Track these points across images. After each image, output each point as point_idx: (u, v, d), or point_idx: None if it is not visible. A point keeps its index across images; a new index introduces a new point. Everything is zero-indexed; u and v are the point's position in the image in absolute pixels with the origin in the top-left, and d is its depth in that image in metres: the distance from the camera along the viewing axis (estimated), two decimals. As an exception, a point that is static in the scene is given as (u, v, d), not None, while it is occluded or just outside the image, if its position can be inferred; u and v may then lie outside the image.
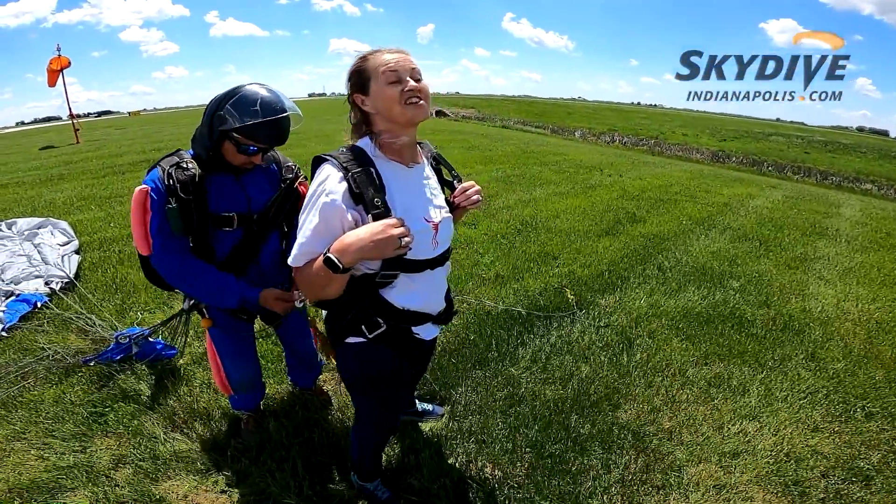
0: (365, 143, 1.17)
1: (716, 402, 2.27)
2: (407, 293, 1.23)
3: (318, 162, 1.15)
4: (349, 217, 1.06)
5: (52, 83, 13.91)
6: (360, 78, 1.13)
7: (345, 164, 1.09)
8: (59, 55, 13.64)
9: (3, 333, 2.64)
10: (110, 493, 1.67)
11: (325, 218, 1.05)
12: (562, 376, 2.39)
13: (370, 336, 1.23)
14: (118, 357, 2.33)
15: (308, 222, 1.07)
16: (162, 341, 2.44)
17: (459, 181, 1.37)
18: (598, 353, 2.61)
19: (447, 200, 1.34)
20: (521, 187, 6.60)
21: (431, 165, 1.33)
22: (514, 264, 3.78)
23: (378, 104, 1.12)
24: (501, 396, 2.24)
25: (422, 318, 1.29)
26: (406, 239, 1.04)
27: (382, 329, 1.23)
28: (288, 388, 2.23)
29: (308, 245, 1.07)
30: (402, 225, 1.04)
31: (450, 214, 1.32)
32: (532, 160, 9.06)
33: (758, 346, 2.79)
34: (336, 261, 1.01)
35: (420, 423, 2.05)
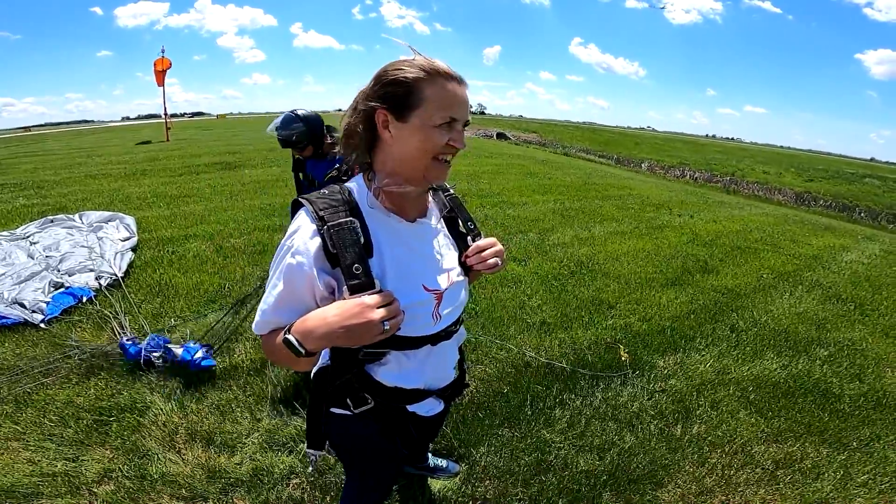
0: (357, 183, 0.93)
1: (780, 485, 1.97)
2: (399, 371, 0.98)
3: (296, 207, 0.91)
4: (320, 285, 0.83)
5: (160, 82, 15.37)
6: (405, 97, 0.83)
7: (321, 214, 0.84)
8: (163, 56, 15.04)
9: (42, 325, 2.70)
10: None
11: (289, 283, 0.83)
12: (600, 445, 2.09)
13: (355, 411, 1.00)
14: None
15: (272, 286, 0.85)
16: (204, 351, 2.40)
17: (477, 237, 1.08)
18: (647, 421, 2.27)
19: (461, 260, 1.06)
20: (579, 222, 6.12)
21: (443, 214, 1.06)
22: (564, 311, 3.42)
23: (408, 143, 0.85)
24: (527, 462, 1.97)
25: (419, 395, 1.04)
26: (392, 321, 0.80)
27: (370, 405, 0.99)
28: (296, 426, 2.07)
29: (269, 315, 0.86)
30: (389, 302, 0.81)
31: (463, 278, 1.05)
32: (593, 192, 8.52)
33: (842, 423, 2.40)
34: (296, 344, 0.79)
35: (430, 481, 1.83)
